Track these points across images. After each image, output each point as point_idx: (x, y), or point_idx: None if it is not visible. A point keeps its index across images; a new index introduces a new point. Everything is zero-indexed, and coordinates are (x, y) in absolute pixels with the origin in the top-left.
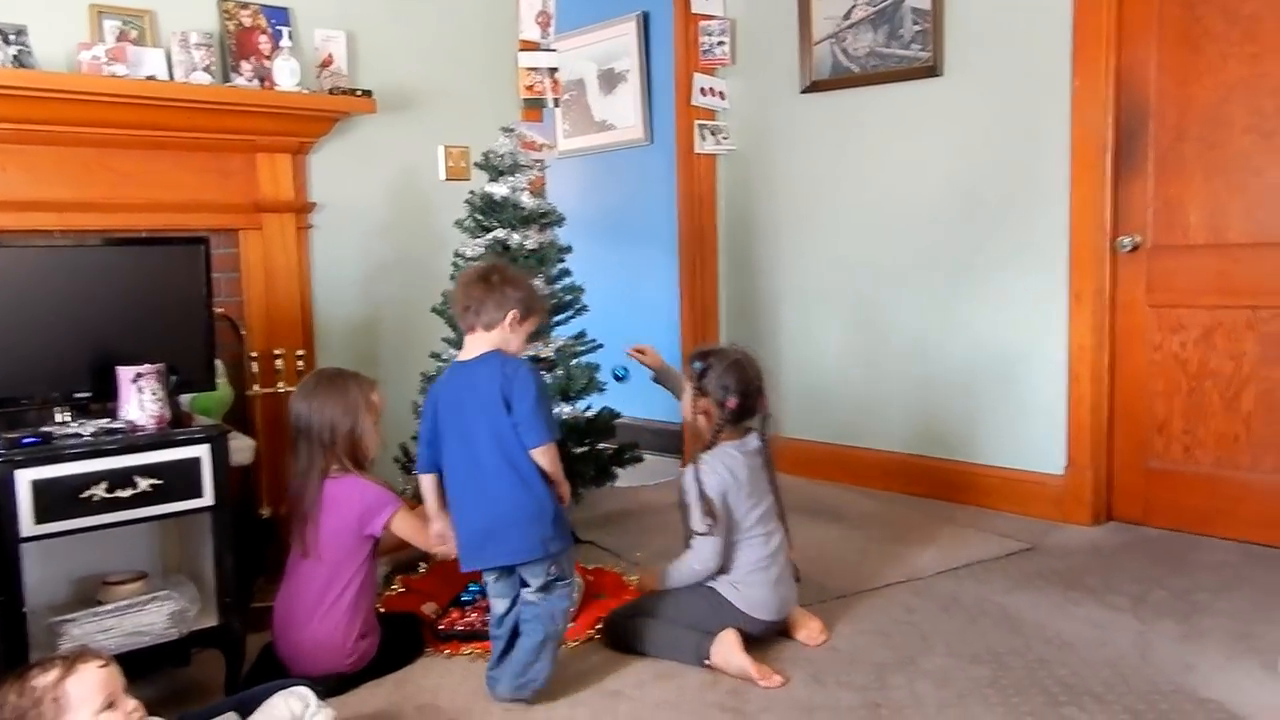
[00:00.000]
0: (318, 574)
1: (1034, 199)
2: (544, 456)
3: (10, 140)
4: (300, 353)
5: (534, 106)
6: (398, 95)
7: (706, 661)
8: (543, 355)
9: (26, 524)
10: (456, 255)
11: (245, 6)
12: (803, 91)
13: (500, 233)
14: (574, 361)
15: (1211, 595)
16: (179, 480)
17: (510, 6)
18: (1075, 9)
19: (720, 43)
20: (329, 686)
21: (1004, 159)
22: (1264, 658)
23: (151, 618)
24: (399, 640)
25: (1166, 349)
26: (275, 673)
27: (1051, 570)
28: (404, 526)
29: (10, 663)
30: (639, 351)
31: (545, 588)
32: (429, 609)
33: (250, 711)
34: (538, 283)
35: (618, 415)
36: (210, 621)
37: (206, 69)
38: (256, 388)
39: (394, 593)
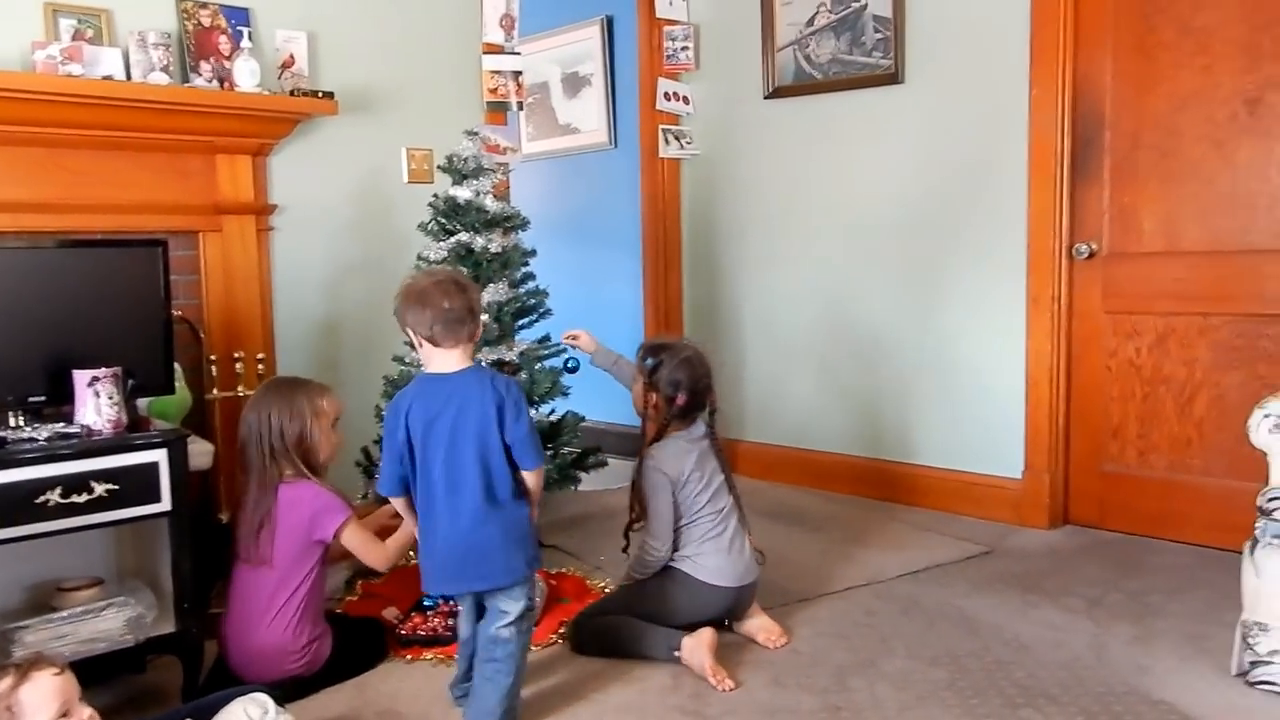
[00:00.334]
0: (267, 580)
1: (993, 206)
2: (538, 478)
3: None
4: (261, 356)
5: (498, 109)
6: (360, 97)
7: (676, 653)
8: (507, 359)
9: None
10: (419, 258)
11: (205, 6)
12: (766, 97)
13: (464, 236)
14: (538, 365)
15: (1165, 598)
16: (136, 485)
17: (474, 9)
18: (1032, 19)
19: (684, 48)
20: (286, 692)
21: (964, 166)
22: (1216, 659)
23: (107, 624)
24: (360, 644)
25: (1122, 355)
26: (232, 680)
27: (1009, 573)
28: (353, 539)
29: None
30: (572, 338)
31: (521, 617)
32: (390, 614)
33: (208, 718)
34: (502, 286)
35: (582, 419)
36: (167, 628)
37: (165, 69)
38: (216, 391)
39: (355, 598)
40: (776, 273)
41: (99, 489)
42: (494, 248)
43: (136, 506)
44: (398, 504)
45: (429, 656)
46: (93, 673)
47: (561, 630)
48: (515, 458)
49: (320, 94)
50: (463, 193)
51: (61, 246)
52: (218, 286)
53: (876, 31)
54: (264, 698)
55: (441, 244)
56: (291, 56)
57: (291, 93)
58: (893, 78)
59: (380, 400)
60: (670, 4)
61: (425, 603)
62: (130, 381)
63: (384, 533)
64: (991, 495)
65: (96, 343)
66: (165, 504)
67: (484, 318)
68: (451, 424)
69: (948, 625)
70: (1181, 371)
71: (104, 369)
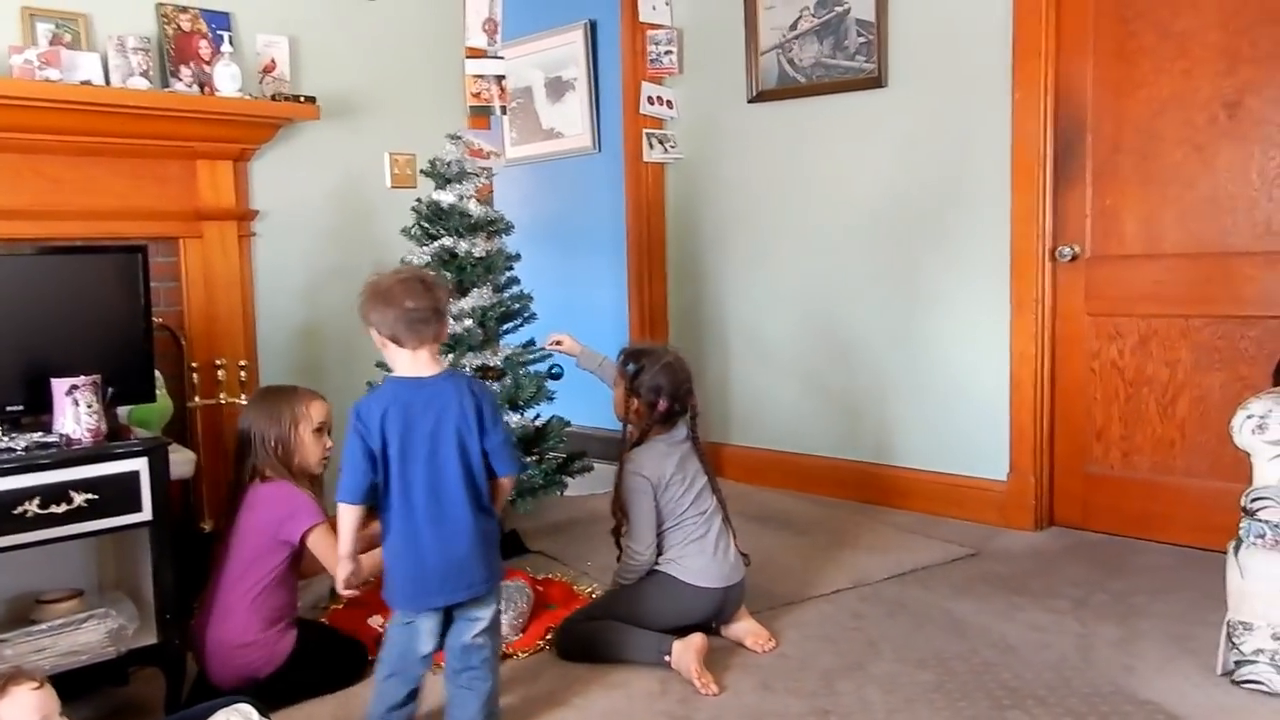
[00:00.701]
0: (229, 575)
1: (976, 209)
2: (512, 484)
3: None
4: (243, 363)
5: (481, 114)
6: (342, 102)
7: (666, 657)
8: (491, 364)
9: None
10: (403, 263)
11: (185, 11)
12: (750, 101)
13: (447, 240)
14: (522, 370)
15: (1149, 598)
16: (116, 495)
17: (457, 13)
18: (1014, 23)
19: (668, 52)
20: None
21: (947, 169)
22: (1200, 659)
23: (88, 636)
24: (339, 660)
25: (1105, 357)
26: (217, 692)
27: (995, 575)
28: (320, 544)
29: None
30: (555, 342)
31: (492, 625)
32: (375, 622)
33: None
34: (486, 291)
35: (568, 424)
36: (149, 639)
37: (144, 74)
38: (197, 399)
39: (339, 606)
40: (761, 276)
41: (78, 499)
42: (477, 252)
43: (117, 516)
44: (356, 513)
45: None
46: (74, 686)
47: (548, 636)
48: (492, 463)
49: (302, 99)
50: (446, 197)
51: (39, 253)
52: (199, 293)
53: (859, 35)
54: (247, 708)
55: (425, 249)
56: (273, 61)
57: (273, 97)
58: (876, 81)
59: None
60: (653, 8)
61: None
62: (110, 389)
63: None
64: (976, 497)
65: (75, 350)
66: (146, 513)
67: (469, 323)
68: (433, 431)
69: (934, 628)
70: (1164, 373)
71: (83, 377)
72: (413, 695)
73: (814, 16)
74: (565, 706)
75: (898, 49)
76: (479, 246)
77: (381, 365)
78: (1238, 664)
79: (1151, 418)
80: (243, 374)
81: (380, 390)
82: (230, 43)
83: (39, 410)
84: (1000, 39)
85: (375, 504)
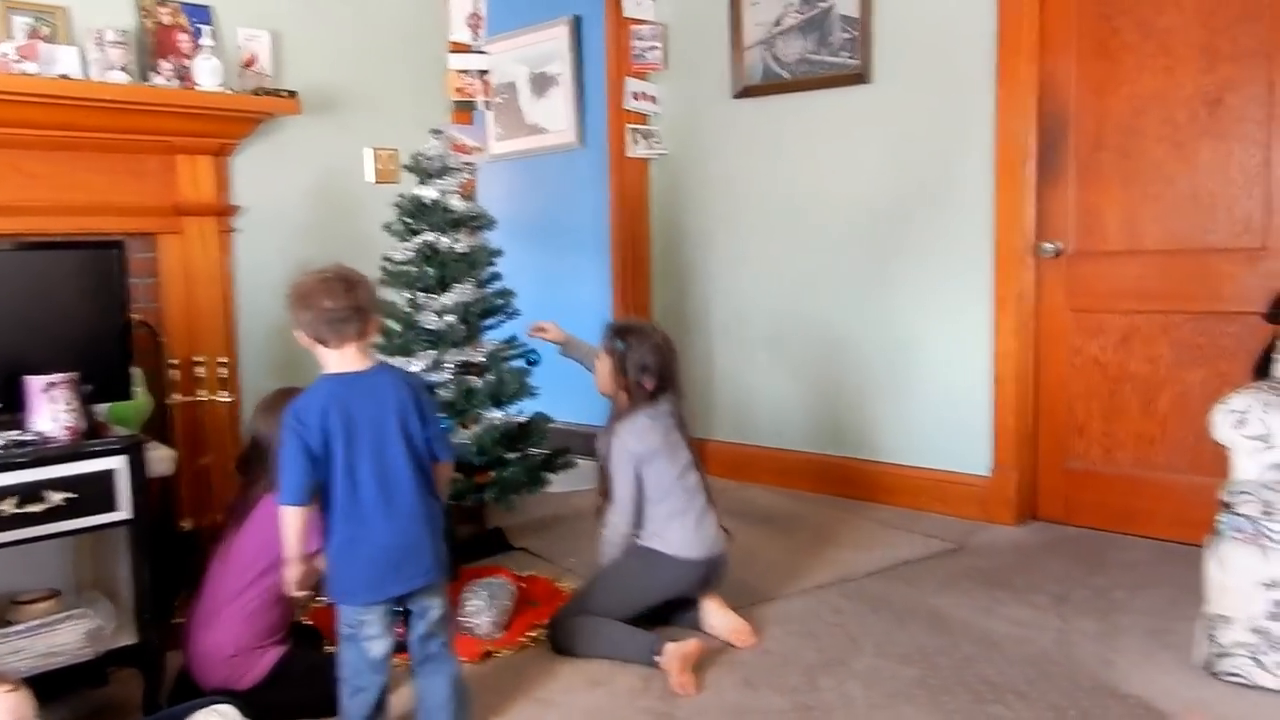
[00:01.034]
0: (227, 584)
1: (960, 205)
2: (450, 470)
3: None
4: (222, 360)
5: (465, 109)
6: (324, 96)
7: (657, 658)
8: (474, 360)
9: None
10: (385, 259)
11: (164, 4)
12: (734, 96)
13: (429, 236)
14: (505, 365)
15: (1129, 593)
16: (94, 493)
17: (440, 8)
18: (999, 20)
19: (652, 48)
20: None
21: (931, 166)
22: (1180, 653)
23: (65, 637)
24: (327, 685)
25: (1087, 353)
26: (197, 692)
27: (977, 570)
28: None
29: None
30: (540, 329)
31: (445, 613)
32: None
33: None
34: (468, 286)
35: (550, 420)
36: (128, 639)
37: (123, 68)
38: (177, 396)
39: (319, 604)
40: (745, 272)
41: (55, 498)
42: (460, 248)
43: (94, 515)
44: (302, 515)
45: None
46: (51, 687)
47: (531, 634)
48: (435, 450)
49: (283, 93)
50: (428, 192)
51: (16, 249)
52: (178, 289)
53: (844, 31)
54: (228, 709)
55: (407, 244)
56: (254, 55)
57: (254, 92)
58: (860, 77)
59: None
60: (638, 4)
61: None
62: (87, 387)
63: None
64: (959, 492)
65: (52, 347)
66: (124, 512)
67: (451, 318)
68: (377, 423)
69: (917, 623)
70: (1145, 369)
71: (60, 374)
72: (380, 707)
73: (798, 12)
74: (547, 705)
75: (882, 45)
76: (461, 242)
77: None
78: (1217, 656)
79: (1133, 413)
80: (223, 371)
81: (315, 389)
82: (211, 36)
83: (15, 408)
84: (985, 36)
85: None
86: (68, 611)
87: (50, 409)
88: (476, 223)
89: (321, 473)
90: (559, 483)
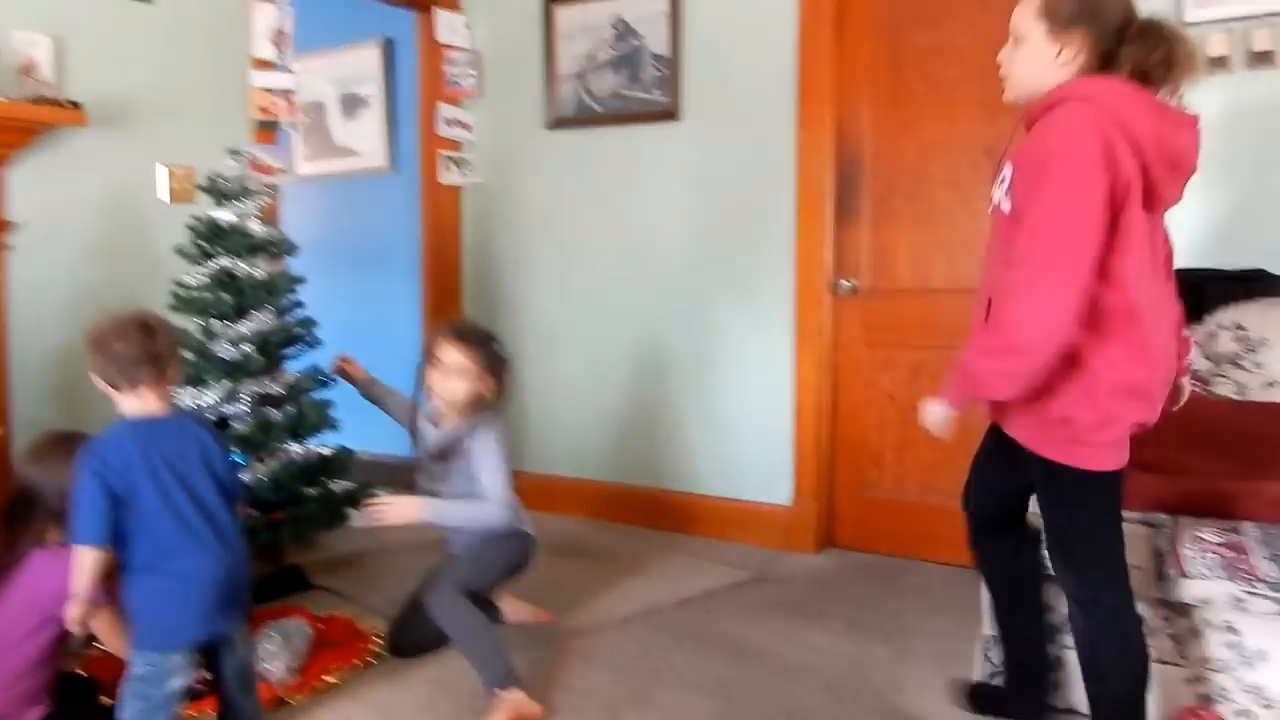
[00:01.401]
0: None
1: (764, 241)
2: (244, 509)
3: None
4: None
5: (268, 128)
6: (116, 108)
7: (501, 691)
8: (273, 391)
9: None
10: (177, 284)
11: None
12: (548, 127)
13: (226, 261)
14: (306, 397)
15: (919, 617)
16: None
17: (243, 22)
18: (799, 65)
19: (467, 74)
20: None
21: (737, 202)
22: (963, 674)
23: None
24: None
25: (880, 385)
26: None
27: (778, 598)
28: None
29: None
30: (345, 366)
31: (250, 653)
32: None
33: None
34: (267, 315)
35: (353, 453)
36: None
37: None
38: None
39: (98, 651)
40: (557, 303)
41: None
42: (259, 274)
43: None
44: (100, 556)
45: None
46: None
47: (329, 678)
48: (233, 489)
49: (66, 103)
50: (225, 215)
51: None
52: None
53: (655, 69)
54: None
55: (201, 268)
56: (33, 61)
57: (32, 100)
58: (670, 114)
59: None
60: (452, 30)
61: None
62: None
63: None
64: (763, 521)
65: None
66: None
67: (248, 348)
68: (186, 463)
69: (719, 653)
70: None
71: None
72: None
73: (611, 48)
74: None
75: (690, 84)
76: (260, 268)
77: None
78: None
79: (920, 443)
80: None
81: (119, 431)
82: None
83: None
84: (787, 79)
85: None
86: None
87: None
88: (277, 248)
89: (123, 515)
90: (362, 517)
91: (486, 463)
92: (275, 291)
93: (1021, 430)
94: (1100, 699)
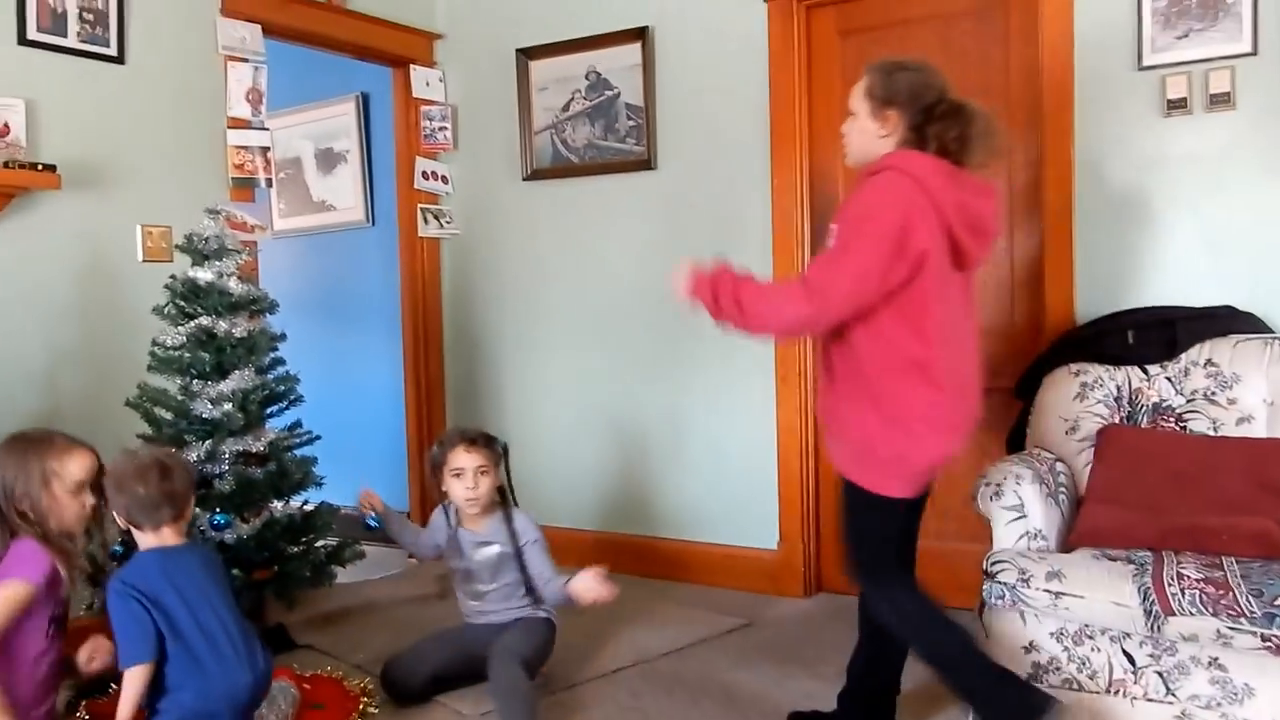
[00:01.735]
0: None
1: None
2: None
3: None
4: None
5: (245, 186)
6: (90, 170)
7: None
8: (254, 450)
9: None
10: (155, 344)
11: None
12: (525, 179)
13: (205, 320)
14: (288, 455)
15: (909, 660)
16: None
17: (218, 82)
18: (771, 112)
19: (442, 128)
20: None
21: (714, 248)
22: (954, 717)
23: None
24: None
25: None
26: None
27: (768, 644)
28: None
29: None
30: (369, 497)
31: None
32: None
33: None
34: (248, 373)
35: (338, 509)
36: None
37: None
38: None
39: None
40: (538, 352)
41: None
42: (239, 332)
43: None
44: (148, 671)
45: None
46: None
47: None
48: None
49: (40, 166)
50: (204, 274)
51: None
52: None
53: (629, 119)
54: None
55: (180, 328)
56: (6, 125)
57: (6, 165)
58: (646, 164)
59: None
60: (427, 84)
61: None
62: None
63: None
64: (750, 567)
65: None
66: None
67: (229, 407)
68: (209, 585)
69: (710, 702)
70: None
71: None
72: None
73: (585, 99)
74: None
75: (665, 133)
76: (240, 326)
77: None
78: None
79: None
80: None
81: (145, 559)
82: None
83: None
84: (760, 126)
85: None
86: None
87: None
88: (256, 306)
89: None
90: (348, 573)
91: (538, 549)
92: (255, 349)
93: (835, 457)
94: (931, 663)
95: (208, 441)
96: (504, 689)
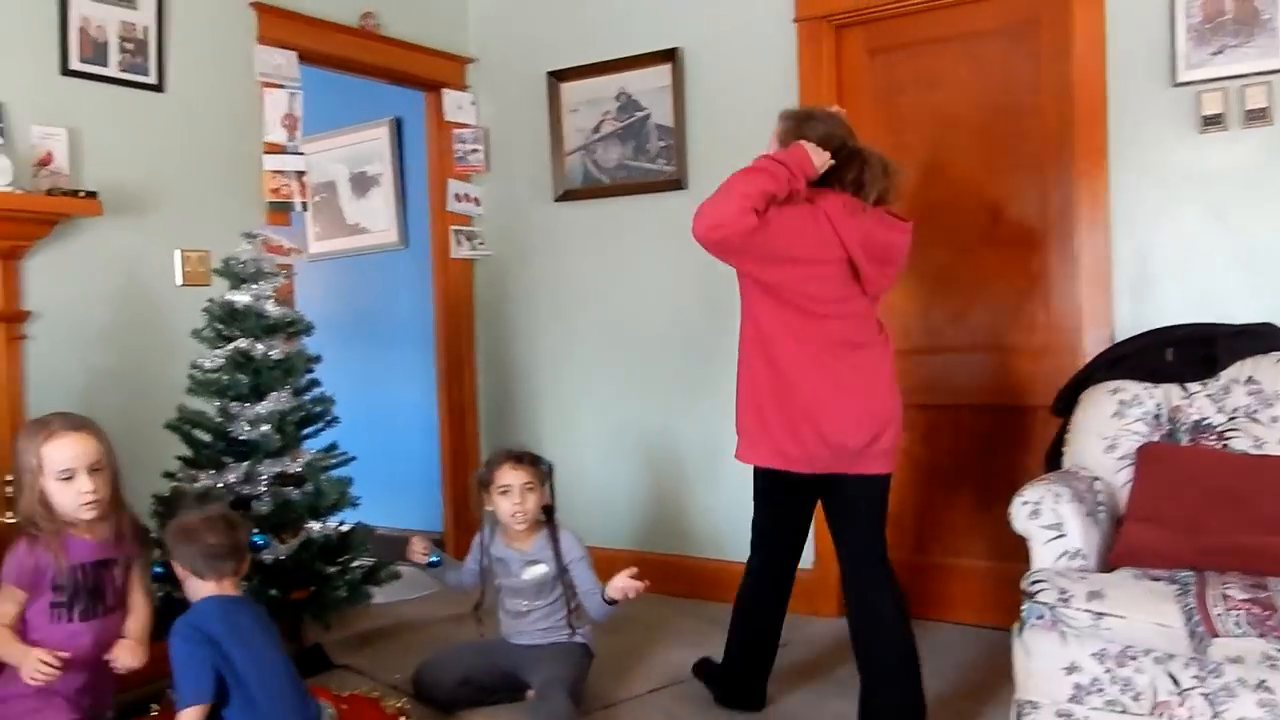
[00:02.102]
0: None
1: None
2: None
3: None
4: (10, 477)
5: (281, 210)
6: (130, 197)
7: None
8: (290, 471)
9: None
10: (194, 367)
11: None
12: (556, 200)
13: (243, 343)
14: (324, 476)
15: (943, 680)
16: None
17: (254, 108)
18: None
19: (474, 150)
20: None
21: None
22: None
23: None
24: None
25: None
26: None
27: (803, 664)
28: None
29: None
30: (417, 542)
31: None
32: None
33: None
34: (284, 395)
35: (373, 530)
36: None
37: None
38: None
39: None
40: (571, 371)
41: None
42: (275, 354)
43: None
44: (200, 713)
45: None
46: None
47: None
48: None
49: (82, 193)
50: (241, 297)
51: None
52: None
53: (660, 140)
54: None
55: (218, 351)
56: (50, 154)
57: (49, 192)
58: (677, 184)
59: (149, 520)
60: (459, 108)
61: None
62: None
63: None
64: None
65: None
66: None
67: (266, 428)
68: (264, 633)
69: None
70: (947, 461)
71: None
72: None
73: (615, 120)
74: None
75: (696, 153)
76: (277, 349)
77: (169, 475)
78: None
79: (940, 504)
80: (9, 490)
81: (209, 605)
82: (1, 134)
83: None
84: None
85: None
86: None
87: None
88: (293, 328)
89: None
90: (383, 593)
91: (583, 565)
92: (292, 371)
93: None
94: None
95: (246, 463)
96: (552, 718)
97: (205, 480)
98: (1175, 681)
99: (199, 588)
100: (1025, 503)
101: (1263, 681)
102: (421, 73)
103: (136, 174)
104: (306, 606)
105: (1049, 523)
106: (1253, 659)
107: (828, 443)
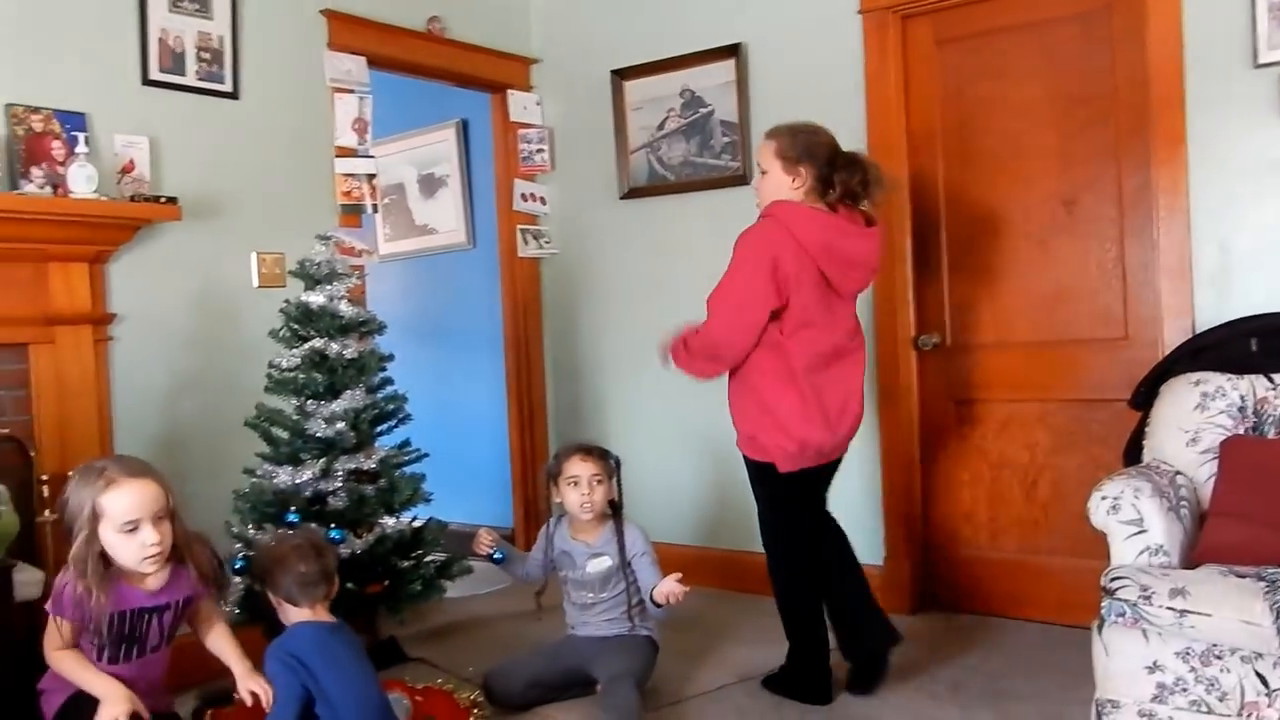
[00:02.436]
0: None
1: None
2: None
3: None
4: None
5: (352, 212)
6: (207, 201)
7: None
8: (365, 467)
9: None
10: (271, 366)
11: (37, 111)
12: (621, 197)
13: (318, 342)
14: (398, 472)
15: (1022, 679)
16: None
17: (325, 112)
18: (868, 124)
19: (539, 150)
20: None
21: None
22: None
23: None
24: None
25: (969, 441)
26: None
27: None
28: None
29: None
30: (485, 534)
31: None
32: None
33: None
34: (359, 392)
35: (445, 525)
36: None
37: None
38: (48, 513)
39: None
40: (638, 369)
41: None
42: (349, 353)
43: None
44: None
45: None
46: None
47: None
48: None
49: (162, 199)
50: (316, 298)
51: None
52: (50, 401)
53: (724, 135)
54: None
55: (294, 351)
56: (132, 162)
57: (131, 199)
58: (742, 179)
59: (230, 515)
60: (524, 108)
61: None
62: None
63: None
64: None
65: None
66: None
67: (341, 425)
68: (361, 662)
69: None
70: (1024, 456)
71: None
72: None
73: (680, 117)
74: None
75: None
76: (350, 348)
77: (249, 472)
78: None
79: (1015, 499)
80: (46, 489)
81: (303, 630)
82: (86, 143)
83: None
84: (857, 139)
85: None
86: None
87: None
88: (366, 328)
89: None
90: (456, 588)
91: (647, 560)
92: (365, 370)
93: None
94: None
95: (322, 459)
96: (620, 710)
97: (283, 476)
98: (1264, 681)
99: (293, 614)
100: (1104, 498)
101: None
102: (486, 74)
103: (213, 179)
104: (381, 600)
105: (1129, 518)
106: None
107: (838, 433)
